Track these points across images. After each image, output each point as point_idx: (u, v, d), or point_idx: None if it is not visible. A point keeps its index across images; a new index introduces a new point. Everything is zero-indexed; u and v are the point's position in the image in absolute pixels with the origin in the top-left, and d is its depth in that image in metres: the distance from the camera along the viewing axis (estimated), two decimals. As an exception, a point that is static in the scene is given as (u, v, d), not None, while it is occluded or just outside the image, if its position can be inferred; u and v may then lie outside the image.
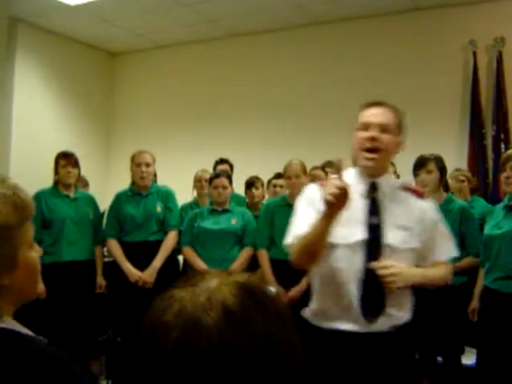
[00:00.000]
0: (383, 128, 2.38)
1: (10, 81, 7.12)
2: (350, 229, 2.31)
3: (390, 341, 2.33)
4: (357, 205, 2.30)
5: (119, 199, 4.92)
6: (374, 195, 2.38)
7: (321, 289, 2.43)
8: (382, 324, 2.32)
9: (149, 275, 4.65)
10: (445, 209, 4.07)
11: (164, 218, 4.87)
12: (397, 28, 6.78)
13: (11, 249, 1.18)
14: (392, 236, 2.31)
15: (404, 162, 5.06)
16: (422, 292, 3.97)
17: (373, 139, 2.36)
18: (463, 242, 4.02)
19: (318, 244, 2.24)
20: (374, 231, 2.31)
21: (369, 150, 2.36)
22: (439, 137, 6.23)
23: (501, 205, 3.84)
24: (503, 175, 3.71)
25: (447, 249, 2.51)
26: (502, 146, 6.07)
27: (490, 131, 6.33)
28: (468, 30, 6.40)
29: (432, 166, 4.11)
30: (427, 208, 2.46)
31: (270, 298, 0.85)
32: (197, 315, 0.78)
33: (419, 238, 2.38)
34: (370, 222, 2.33)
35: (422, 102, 6.55)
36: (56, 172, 4.86)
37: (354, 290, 2.29)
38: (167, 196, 4.94)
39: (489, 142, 6.32)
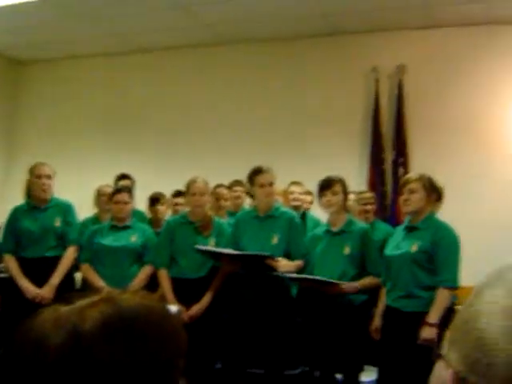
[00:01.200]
0: None
1: None
2: None
3: None
4: None
5: (16, 213, 4.73)
6: None
7: None
8: None
9: (47, 292, 4.47)
10: (346, 230, 4.17)
11: (63, 232, 4.69)
12: (304, 51, 6.92)
13: None
14: None
15: (307, 183, 5.19)
16: (322, 309, 4.06)
17: None
18: (364, 263, 4.11)
19: None
20: None
21: None
22: (341, 159, 6.37)
23: (401, 226, 3.98)
24: (402, 198, 3.84)
25: None
26: (401, 169, 6.28)
27: (389, 156, 6.54)
28: (371, 56, 6.62)
29: (338, 187, 4.18)
30: None
31: (138, 322, 0.84)
32: (74, 328, 0.79)
33: None
34: None
35: (326, 124, 6.71)
36: None
37: None
38: (66, 210, 4.77)
39: (388, 166, 6.52)
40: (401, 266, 3.69)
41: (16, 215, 4.72)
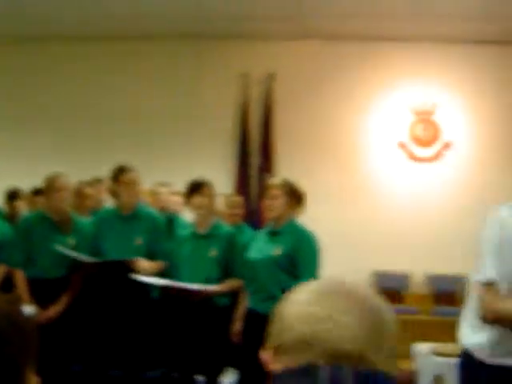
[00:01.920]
0: None
1: None
2: None
3: None
4: None
5: None
6: None
7: None
8: None
9: None
10: (212, 233, 4.18)
11: None
12: (177, 51, 6.88)
13: None
14: None
15: (177, 185, 5.15)
16: (183, 311, 4.05)
17: None
18: (230, 266, 4.14)
19: None
20: None
21: None
22: (209, 162, 6.41)
23: (263, 231, 4.04)
24: (265, 203, 3.91)
25: None
26: (266, 175, 6.40)
27: (255, 161, 6.66)
28: (243, 62, 6.72)
29: (207, 190, 4.20)
30: None
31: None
32: None
33: None
34: None
35: (195, 126, 6.73)
36: None
37: None
38: None
39: (254, 170, 6.64)
40: (264, 270, 3.75)
41: None
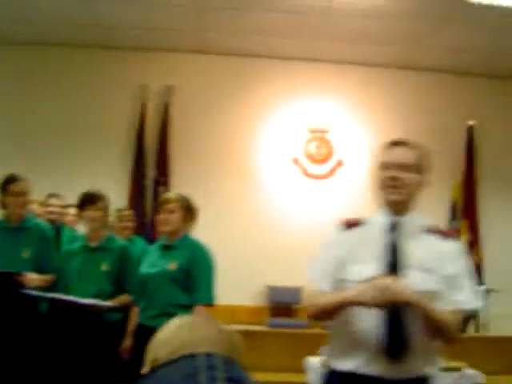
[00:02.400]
0: (403, 167, 2.30)
1: None
2: (366, 265, 2.22)
3: None
4: (377, 242, 2.25)
5: None
6: (395, 233, 2.28)
7: (339, 330, 2.30)
8: (407, 370, 2.20)
9: None
10: (104, 247, 4.10)
11: None
12: (76, 59, 6.73)
13: None
14: (410, 277, 2.20)
15: (69, 196, 5.00)
16: (74, 326, 3.93)
17: (394, 179, 2.29)
18: (121, 280, 4.07)
19: (337, 311, 2.21)
20: (391, 270, 2.20)
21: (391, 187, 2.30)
22: (102, 173, 6.29)
23: (157, 244, 4.00)
24: (160, 217, 3.88)
25: (464, 296, 2.26)
26: (162, 188, 6.37)
27: (151, 173, 6.61)
28: (141, 74, 6.66)
29: (101, 203, 4.11)
30: (451, 249, 2.32)
31: None
32: None
33: (439, 280, 2.23)
34: (386, 260, 2.23)
35: (90, 136, 6.60)
36: None
37: (374, 328, 2.19)
38: None
39: (149, 183, 6.58)
40: (157, 285, 3.72)
41: None
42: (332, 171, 7.09)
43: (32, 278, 4.00)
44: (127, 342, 3.91)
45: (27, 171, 4.31)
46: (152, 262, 3.85)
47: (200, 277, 3.70)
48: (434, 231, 2.34)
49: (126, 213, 5.38)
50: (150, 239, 5.72)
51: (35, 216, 4.56)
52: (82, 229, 4.66)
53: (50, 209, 5.15)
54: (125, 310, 4.06)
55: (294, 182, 6.96)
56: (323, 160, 7.07)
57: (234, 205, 6.63)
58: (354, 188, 6.94)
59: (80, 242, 4.26)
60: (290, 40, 6.46)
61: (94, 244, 4.14)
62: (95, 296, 3.95)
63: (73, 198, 4.34)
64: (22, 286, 3.94)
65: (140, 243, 5.27)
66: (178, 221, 3.81)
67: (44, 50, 6.69)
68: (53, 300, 4.04)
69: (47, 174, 6.10)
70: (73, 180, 5.71)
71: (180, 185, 6.18)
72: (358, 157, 7.07)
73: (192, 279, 3.70)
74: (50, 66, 6.76)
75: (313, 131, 7.04)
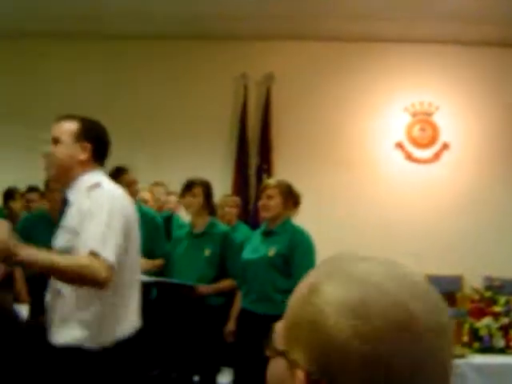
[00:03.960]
0: (54, 141, 2.47)
1: None
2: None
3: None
4: None
5: None
6: (65, 203, 2.51)
7: None
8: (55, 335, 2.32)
9: None
10: (207, 232, 4.20)
11: None
12: (176, 52, 6.87)
13: None
14: (59, 238, 2.42)
15: (174, 184, 5.14)
16: (180, 311, 4.06)
17: (45, 155, 2.50)
18: (224, 265, 4.15)
19: None
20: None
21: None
22: (206, 163, 6.40)
23: (258, 231, 4.05)
24: (260, 203, 3.93)
25: (92, 240, 2.25)
26: (265, 175, 6.42)
27: (254, 161, 6.67)
28: (241, 63, 6.71)
29: (198, 189, 4.20)
30: (92, 199, 2.39)
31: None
32: None
33: (74, 234, 2.34)
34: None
35: (194, 126, 6.72)
36: None
37: None
38: None
39: (252, 171, 6.65)
40: (258, 270, 3.76)
41: None
42: (437, 155, 6.89)
43: (141, 263, 4.16)
44: (231, 326, 3.99)
45: (138, 163, 4.49)
46: (253, 248, 3.90)
47: (299, 262, 3.69)
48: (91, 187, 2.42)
49: (230, 199, 5.45)
50: (254, 226, 5.79)
51: (143, 204, 4.72)
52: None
53: (156, 197, 5.33)
54: (228, 294, 4.14)
55: (398, 167, 6.81)
56: (428, 144, 6.88)
57: (336, 191, 6.58)
58: (461, 172, 6.73)
59: (186, 229, 4.40)
60: (389, 22, 6.30)
61: (197, 230, 4.24)
62: (198, 281, 4.06)
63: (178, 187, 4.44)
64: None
65: (244, 229, 5.35)
66: (277, 206, 3.82)
67: (147, 43, 6.87)
68: (159, 284, 4.20)
69: (154, 163, 6.29)
70: (178, 170, 5.86)
71: (283, 172, 6.19)
72: (464, 140, 6.84)
73: (291, 264, 3.73)
74: (153, 59, 6.94)
75: (416, 114, 6.86)
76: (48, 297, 2.41)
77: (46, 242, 4.13)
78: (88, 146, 2.50)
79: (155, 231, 4.35)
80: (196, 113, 6.75)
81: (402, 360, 0.65)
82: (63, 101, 6.83)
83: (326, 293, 0.70)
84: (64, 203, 2.51)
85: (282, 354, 0.72)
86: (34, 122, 6.80)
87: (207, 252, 4.14)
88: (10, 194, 5.18)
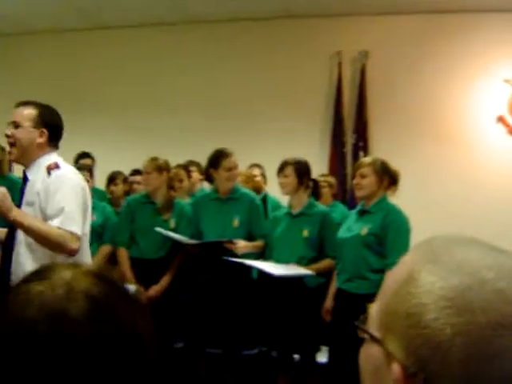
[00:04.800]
0: (15, 125, 2.84)
1: None
2: None
3: None
4: None
5: None
6: (25, 181, 2.88)
7: None
8: None
9: None
10: (306, 212, 4.20)
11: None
12: (270, 32, 6.89)
13: None
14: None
15: (271, 166, 5.16)
16: (280, 291, 4.10)
17: (7, 136, 2.86)
18: (323, 246, 4.15)
19: None
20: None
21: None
22: (302, 143, 6.39)
23: (354, 210, 4.03)
24: (354, 182, 3.89)
25: (60, 216, 2.71)
26: (361, 153, 6.34)
27: (350, 139, 6.61)
28: (335, 41, 6.65)
29: (289, 170, 4.19)
30: (53, 179, 2.79)
31: (126, 289, 0.87)
32: (62, 307, 0.77)
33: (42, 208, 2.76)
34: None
35: (288, 107, 6.73)
36: None
37: None
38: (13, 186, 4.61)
39: (349, 149, 6.59)
40: (351, 249, 3.74)
41: None
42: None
43: (241, 245, 4.23)
44: (327, 304, 3.99)
45: (233, 144, 4.54)
46: (348, 227, 3.88)
47: (392, 242, 3.64)
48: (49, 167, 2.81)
49: (322, 179, 5.43)
50: (352, 205, 5.75)
51: (241, 185, 4.77)
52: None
53: (253, 178, 5.39)
54: (328, 274, 4.14)
55: (499, 142, 6.51)
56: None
57: (435, 169, 6.39)
58: None
59: (285, 209, 4.42)
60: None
61: (295, 211, 4.26)
62: (297, 261, 4.08)
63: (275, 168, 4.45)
64: (232, 252, 4.18)
65: (341, 209, 5.32)
66: (371, 185, 3.78)
67: (235, 25, 6.93)
68: (204, 244, 4.28)
69: (250, 145, 6.35)
70: (275, 150, 5.89)
71: (379, 150, 6.09)
72: None
73: (385, 243, 3.67)
74: (246, 41, 6.99)
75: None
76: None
77: (148, 222, 4.32)
78: (45, 131, 2.88)
79: (255, 213, 4.39)
80: (291, 93, 6.75)
81: (506, 362, 0.61)
82: (171, 87, 7.06)
83: (424, 283, 0.66)
84: (24, 181, 2.87)
85: (378, 341, 0.69)
86: (145, 109, 7.12)
87: (305, 232, 4.15)
88: (112, 178, 5.38)
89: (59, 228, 2.67)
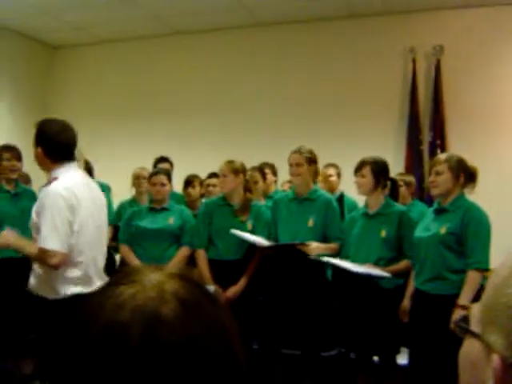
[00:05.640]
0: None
1: None
2: None
3: None
4: None
5: None
6: None
7: None
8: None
9: None
10: (383, 212, 4.14)
11: None
12: (339, 32, 6.86)
13: None
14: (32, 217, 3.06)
15: (346, 166, 5.13)
16: (357, 292, 4.07)
17: None
18: (401, 246, 4.07)
19: None
20: None
21: None
22: (377, 141, 6.33)
23: (431, 208, 3.93)
24: (429, 180, 3.81)
25: (41, 237, 2.99)
26: (438, 151, 6.21)
27: (426, 137, 6.48)
28: (408, 37, 6.54)
29: (366, 170, 4.14)
30: (40, 197, 3.06)
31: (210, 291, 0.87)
32: (155, 309, 0.78)
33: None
34: None
35: (362, 107, 6.67)
36: None
37: None
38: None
39: (425, 147, 6.46)
40: (429, 249, 3.65)
41: None
42: None
43: (314, 246, 4.22)
44: (405, 305, 3.92)
45: (309, 144, 4.54)
46: (425, 226, 3.79)
47: (472, 240, 3.53)
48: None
49: (399, 178, 5.33)
50: (430, 203, 5.64)
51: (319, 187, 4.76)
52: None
53: (330, 178, 5.38)
54: (405, 275, 4.07)
55: None
56: None
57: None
58: None
59: (361, 210, 4.37)
60: None
61: (372, 210, 4.20)
62: (375, 262, 4.03)
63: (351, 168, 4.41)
64: (305, 254, 4.18)
65: (419, 208, 5.22)
66: (446, 182, 3.67)
67: (308, 27, 6.93)
68: (277, 247, 4.27)
69: (325, 144, 6.32)
70: (350, 150, 5.85)
71: (457, 146, 5.94)
72: None
73: (465, 242, 3.56)
74: (313, 42, 6.98)
75: None
76: None
77: (225, 224, 4.37)
78: (39, 150, 3.09)
79: (331, 215, 4.36)
80: (365, 91, 6.69)
81: None
82: (247, 89, 7.14)
83: None
84: None
85: (477, 336, 0.71)
86: (222, 112, 7.24)
87: (383, 233, 4.08)
88: (189, 181, 5.48)
89: (39, 247, 2.99)
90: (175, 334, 0.76)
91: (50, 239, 2.95)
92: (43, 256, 2.97)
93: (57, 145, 3.11)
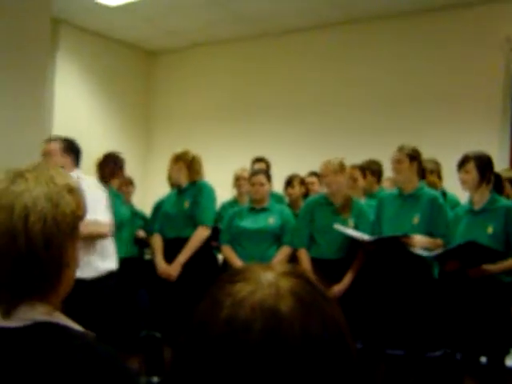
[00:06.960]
0: None
1: (51, 81, 7.14)
2: None
3: None
4: None
5: (163, 197, 5.09)
6: None
7: None
8: None
9: (173, 269, 4.59)
10: (489, 208, 4.01)
11: (192, 213, 4.72)
12: (432, 27, 6.69)
13: None
14: None
15: (448, 161, 5.00)
16: (465, 289, 3.95)
17: None
18: (509, 242, 3.93)
19: None
20: None
21: None
22: (481, 136, 6.12)
23: None
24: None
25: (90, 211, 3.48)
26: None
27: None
28: (503, 26, 6.27)
29: (470, 165, 4.03)
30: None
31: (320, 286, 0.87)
32: (274, 305, 0.79)
33: None
34: None
35: (463, 101, 6.48)
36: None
37: None
38: (198, 191, 4.77)
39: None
40: None
41: (162, 199, 5.07)
42: None
43: (417, 239, 4.15)
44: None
45: (402, 142, 4.47)
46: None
47: None
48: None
49: (505, 173, 5.15)
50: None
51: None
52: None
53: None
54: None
55: None
56: None
57: None
58: None
59: (466, 206, 4.26)
60: None
61: (477, 207, 4.09)
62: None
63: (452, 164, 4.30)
64: (409, 247, 4.12)
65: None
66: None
67: (404, 21, 6.80)
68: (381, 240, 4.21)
69: (427, 140, 6.16)
70: (452, 145, 5.69)
71: None
72: None
73: None
74: (409, 36, 6.84)
75: None
76: None
77: (327, 222, 4.38)
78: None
79: (436, 211, 4.27)
80: (464, 85, 6.48)
81: None
82: (348, 86, 7.11)
83: None
84: None
85: None
86: (321, 111, 7.25)
87: (490, 229, 3.96)
88: (289, 180, 5.54)
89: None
90: (294, 329, 0.76)
91: (99, 211, 3.67)
92: (98, 227, 3.66)
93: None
